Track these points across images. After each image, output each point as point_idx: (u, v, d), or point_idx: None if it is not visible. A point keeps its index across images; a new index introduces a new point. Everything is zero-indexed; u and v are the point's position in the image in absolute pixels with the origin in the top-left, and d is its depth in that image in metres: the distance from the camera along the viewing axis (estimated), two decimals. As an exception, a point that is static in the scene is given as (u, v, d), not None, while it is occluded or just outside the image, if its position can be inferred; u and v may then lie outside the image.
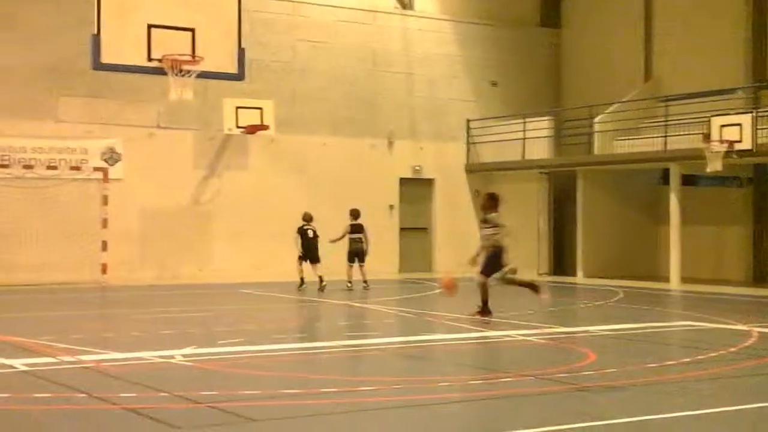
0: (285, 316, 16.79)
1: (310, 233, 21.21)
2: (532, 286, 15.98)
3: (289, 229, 25.51)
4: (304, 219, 21.44)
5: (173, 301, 18.90)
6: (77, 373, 10.02)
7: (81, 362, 10.57)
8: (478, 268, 15.49)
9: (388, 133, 27.75)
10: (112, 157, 23.65)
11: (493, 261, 15.41)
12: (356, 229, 21.33)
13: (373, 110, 27.63)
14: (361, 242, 21.24)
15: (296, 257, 21.18)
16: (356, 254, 21.16)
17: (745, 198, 26.05)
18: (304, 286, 20.86)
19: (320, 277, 20.66)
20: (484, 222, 15.73)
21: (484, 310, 15.38)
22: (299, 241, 21.13)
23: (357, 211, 21.46)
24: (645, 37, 28.36)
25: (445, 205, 28.67)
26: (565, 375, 9.96)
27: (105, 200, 22.67)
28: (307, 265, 20.97)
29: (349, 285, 20.93)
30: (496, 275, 15.47)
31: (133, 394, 8.70)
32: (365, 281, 21.09)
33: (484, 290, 15.43)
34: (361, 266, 21.15)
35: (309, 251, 21.04)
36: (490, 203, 15.86)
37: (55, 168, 22.64)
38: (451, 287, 15.76)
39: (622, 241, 26.83)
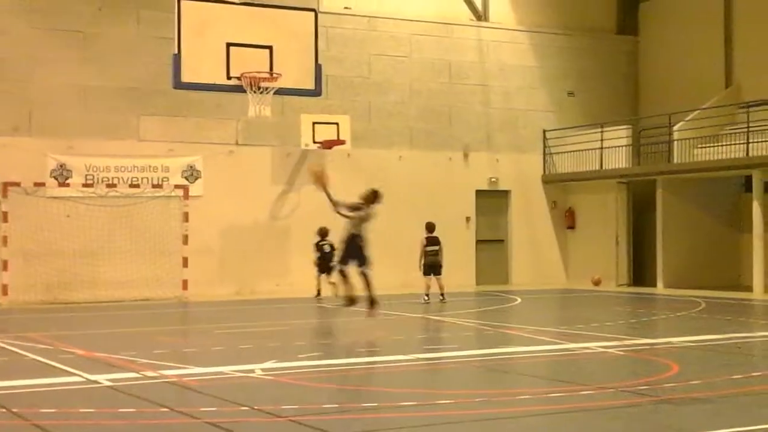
0: (361, 329, 16.82)
1: (327, 248, 22.20)
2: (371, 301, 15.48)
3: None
4: (319, 234, 22.42)
5: (252, 316, 19.09)
6: (160, 388, 10.18)
7: (163, 377, 10.74)
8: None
9: (464, 146, 27.71)
10: (192, 174, 24.02)
11: (350, 248, 15.12)
12: (432, 241, 21.38)
13: (449, 123, 27.61)
14: (437, 255, 21.29)
15: (315, 271, 22.59)
16: (432, 267, 21.20)
17: (832, 205, 25.37)
18: (320, 297, 22.20)
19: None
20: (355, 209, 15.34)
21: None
22: (317, 255, 22.51)
23: (432, 225, 21.54)
24: (725, 43, 27.89)
25: (521, 216, 28.50)
26: (648, 387, 9.82)
27: (185, 217, 23.00)
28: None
29: (426, 298, 20.95)
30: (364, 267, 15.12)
31: (215, 408, 8.81)
32: (442, 294, 21.07)
33: (347, 281, 15.29)
34: (437, 279, 21.18)
35: (325, 265, 22.07)
36: (370, 197, 15.60)
37: (137, 186, 23.04)
38: (319, 178, 15.45)
39: (703, 251, 26.36)
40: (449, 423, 8.23)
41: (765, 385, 9.85)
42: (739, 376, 10.44)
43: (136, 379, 10.62)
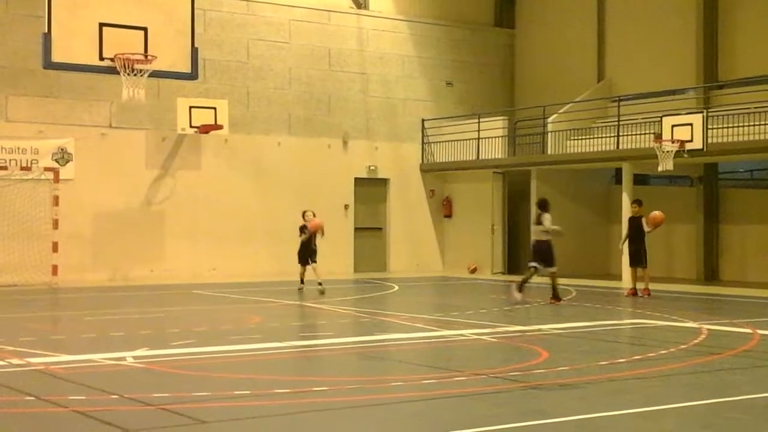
0: (238, 316, 16.67)
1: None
2: None
3: (244, 229, 25.40)
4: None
5: (125, 303, 18.70)
6: (26, 376, 9.88)
7: (30, 365, 10.43)
8: None
9: (343, 133, 27.73)
10: (63, 157, 23.39)
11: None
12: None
13: (329, 110, 27.59)
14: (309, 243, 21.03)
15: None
16: (310, 255, 20.92)
17: (696, 197, 26.34)
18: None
19: None
20: None
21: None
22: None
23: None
24: (598, 38, 28.62)
25: (399, 204, 28.71)
26: (518, 373, 10.01)
27: (56, 201, 22.39)
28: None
29: (301, 286, 20.75)
30: None
31: (83, 397, 8.60)
32: (320, 282, 20.94)
33: None
34: (314, 267, 20.96)
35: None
36: None
37: (5, 168, 22.32)
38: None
39: (575, 240, 26.91)
40: (321, 410, 8.23)
41: (629, 371, 10.15)
42: (605, 363, 10.73)
43: (1, 366, 10.29)
